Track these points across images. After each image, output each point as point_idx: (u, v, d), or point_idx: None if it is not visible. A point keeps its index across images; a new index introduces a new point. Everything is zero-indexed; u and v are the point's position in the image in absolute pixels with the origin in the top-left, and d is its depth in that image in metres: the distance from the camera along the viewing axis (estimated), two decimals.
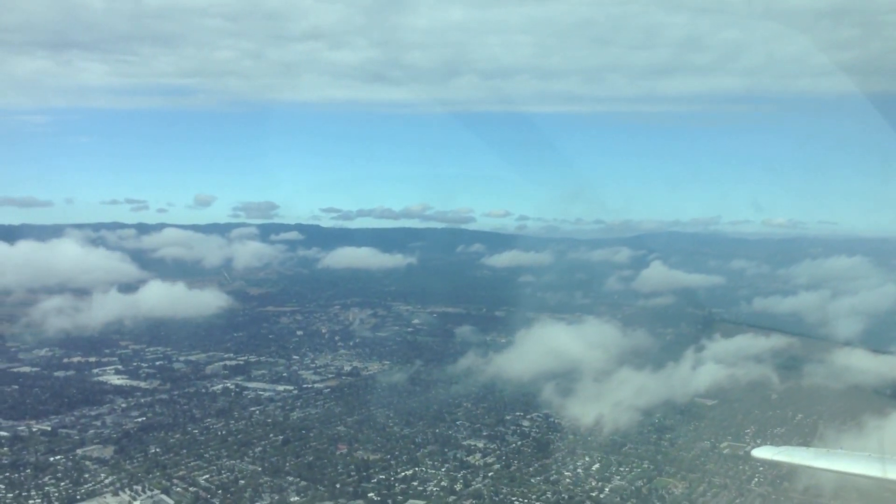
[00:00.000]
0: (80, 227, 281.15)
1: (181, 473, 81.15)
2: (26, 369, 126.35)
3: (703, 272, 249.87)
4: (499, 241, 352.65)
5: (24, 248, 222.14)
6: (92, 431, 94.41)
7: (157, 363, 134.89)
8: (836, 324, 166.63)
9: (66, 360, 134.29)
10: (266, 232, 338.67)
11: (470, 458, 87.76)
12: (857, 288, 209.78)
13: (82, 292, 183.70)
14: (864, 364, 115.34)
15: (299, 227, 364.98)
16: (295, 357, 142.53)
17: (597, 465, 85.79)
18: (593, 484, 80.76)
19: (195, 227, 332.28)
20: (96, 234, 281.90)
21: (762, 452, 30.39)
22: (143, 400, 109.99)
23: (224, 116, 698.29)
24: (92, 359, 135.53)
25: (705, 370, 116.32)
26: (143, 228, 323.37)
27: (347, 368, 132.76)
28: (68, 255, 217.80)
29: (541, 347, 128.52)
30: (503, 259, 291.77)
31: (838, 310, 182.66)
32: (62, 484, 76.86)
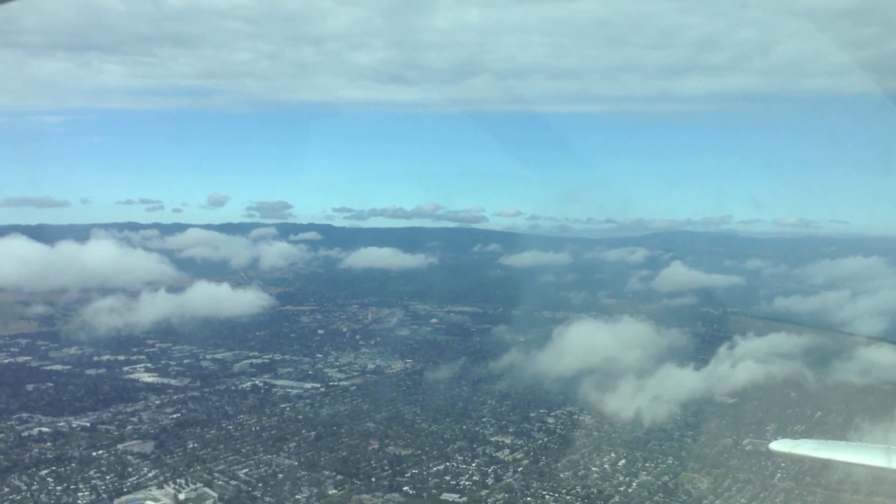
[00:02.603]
0: (104, 226, 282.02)
1: (221, 467, 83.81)
2: (58, 367, 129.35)
3: (720, 272, 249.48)
4: (512, 240, 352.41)
5: (48, 247, 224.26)
6: (130, 427, 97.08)
7: (185, 361, 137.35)
8: (858, 323, 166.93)
9: (95, 359, 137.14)
10: (283, 232, 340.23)
11: (499, 454, 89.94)
12: (876, 288, 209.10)
13: (114, 292, 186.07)
14: (888, 360, 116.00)
15: (313, 227, 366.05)
16: (318, 355, 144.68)
17: (622, 461, 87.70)
18: (620, 479, 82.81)
19: (209, 227, 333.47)
20: (121, 234, 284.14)
21: (780, 446, 32.11)
22: (175, 397, 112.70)
23: (239, 117, 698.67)
24: (121, 357, 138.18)
25: (727, 369, 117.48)
26: (159, 228, 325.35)
27: (371, 367, 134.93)
28: (97, 256, 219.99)
29: (563, 346, 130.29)
30: (520, 259, 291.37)
31: (860, 309, 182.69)
32: (107, 477, 79.66)
